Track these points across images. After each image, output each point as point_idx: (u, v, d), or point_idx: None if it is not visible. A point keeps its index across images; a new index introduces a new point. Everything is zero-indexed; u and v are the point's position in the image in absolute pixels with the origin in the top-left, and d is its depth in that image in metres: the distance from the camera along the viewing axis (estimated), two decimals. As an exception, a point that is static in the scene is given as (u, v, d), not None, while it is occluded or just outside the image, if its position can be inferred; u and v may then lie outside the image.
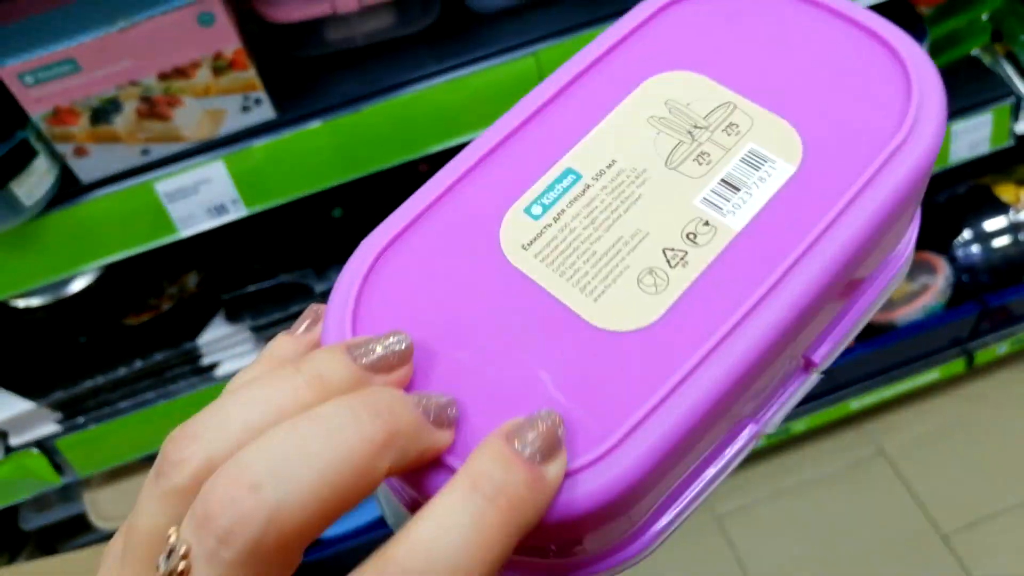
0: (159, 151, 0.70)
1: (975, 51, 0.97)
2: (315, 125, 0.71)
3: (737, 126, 0.27)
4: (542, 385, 0.23)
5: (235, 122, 0.70)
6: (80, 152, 0.68)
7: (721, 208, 0.26)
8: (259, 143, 0.71)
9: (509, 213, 0.26)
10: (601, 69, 0.29)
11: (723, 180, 0.26)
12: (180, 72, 0.66)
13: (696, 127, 0.27)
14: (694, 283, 0.25)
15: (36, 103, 0.64)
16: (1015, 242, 1.15)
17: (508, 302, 0.25)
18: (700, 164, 0.27)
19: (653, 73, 0.29)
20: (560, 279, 0.25)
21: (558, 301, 0.25)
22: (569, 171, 0.27)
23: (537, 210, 0.26)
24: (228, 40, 0.65)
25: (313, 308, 0.26)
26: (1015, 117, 0.92)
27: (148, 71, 0.65)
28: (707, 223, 0.26)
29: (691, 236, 0.25)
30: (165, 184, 0.71)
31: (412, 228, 0.26)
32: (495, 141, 0.28)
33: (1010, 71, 0.95)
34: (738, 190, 0.26)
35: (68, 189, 0.70)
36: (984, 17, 0.94)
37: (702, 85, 0.28)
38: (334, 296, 0.26)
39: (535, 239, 0.26)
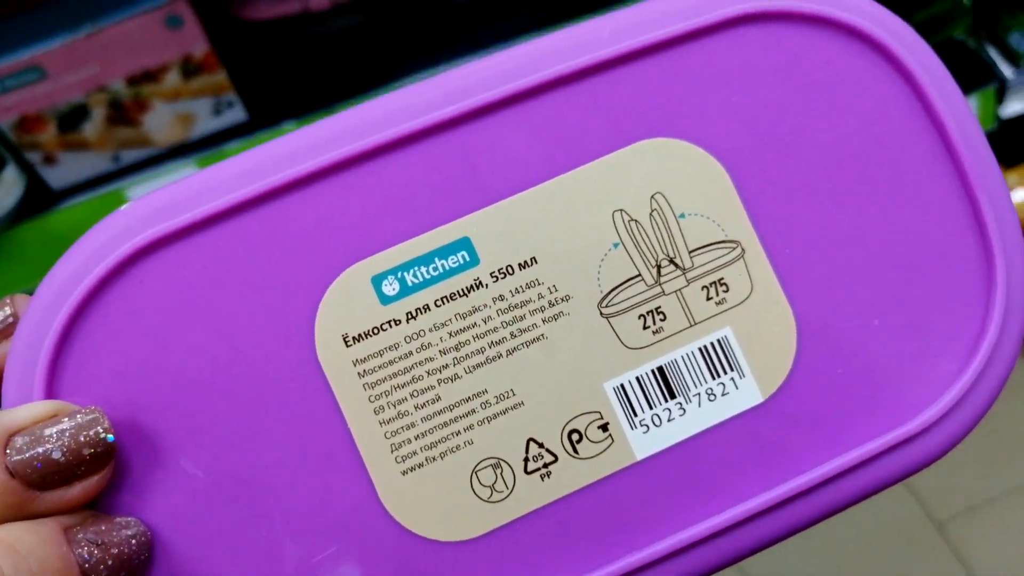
0: (130, 156, 0.69)
1: (959, 35, 0.96)
2: (288, 126, 0.70)
3: (727, 288, 0.18)
4: (281, 561, 0.16)
5: (207, 125, 0.69)
6: (49, 160, 0.67)
7: (636, 414, 0.17)
8: (232, 146, 0.70)
9: (349, 272, 0.17)
10: (585, 85, 0.19)
11: (659, 370, 0.17)
12: (149, 76, 0.65)
13: (672, 262, 0.18)
14: (540, 512, 0.17)
15: (3, 112, 0.63)
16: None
17: (287, 410, 0.17)
18: (645, 327, 0.18)
19: (660, 132, 0.18)
20: (370, 418, 0.17)
21: (355, 448, 0.17)
22: (465, 243, 0.17)
23: (391, 287, 0.17)
24: (197, 42, 0.64)
25: (7, 303, 0.18)
26: (999, 101, 0.91)
27: (116, 76, 0.64)
28: (605, 427, 0.17)
29: (574, 437, 0.17)
30: (137, 190, 0.69)
31: (196, 232, 0.17)
32: (379, 139, 0.18)
33: (994, 54, 0.94)
34: (672, 396, 0.17)
35: (38, 199, 0.69)
36: (966, 1, 0.93)
37: (720, 190, 0.18)
38: (35, 305, 0.17)
39: (368, 335, 0.17)
